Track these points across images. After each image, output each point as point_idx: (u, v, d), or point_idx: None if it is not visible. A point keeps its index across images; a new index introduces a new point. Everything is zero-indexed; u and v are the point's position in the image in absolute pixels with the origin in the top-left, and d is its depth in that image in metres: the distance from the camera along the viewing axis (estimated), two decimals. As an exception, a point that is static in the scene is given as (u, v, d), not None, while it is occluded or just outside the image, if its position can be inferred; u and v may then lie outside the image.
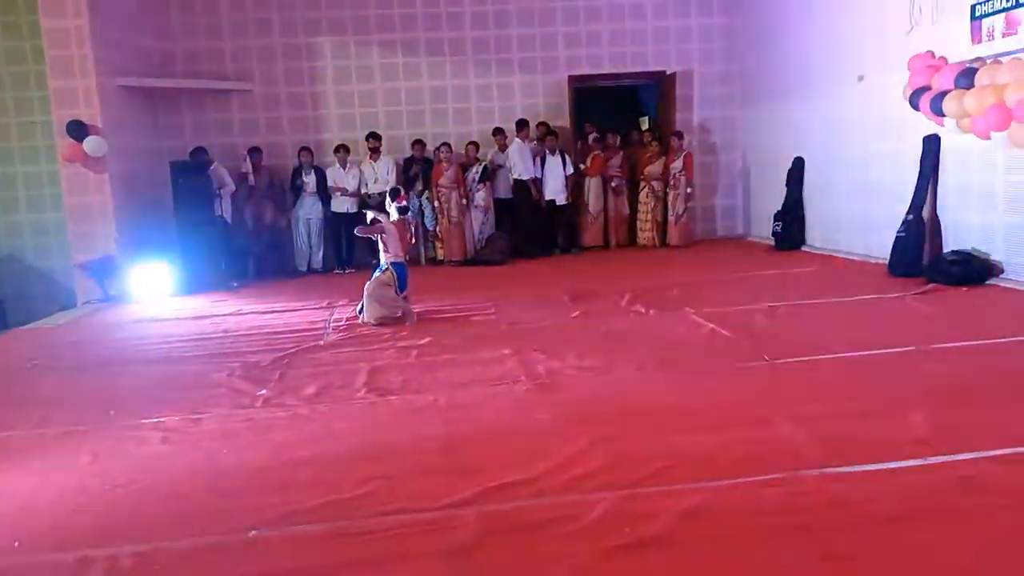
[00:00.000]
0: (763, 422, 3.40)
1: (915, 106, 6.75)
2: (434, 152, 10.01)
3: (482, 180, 9.94)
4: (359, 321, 6.25)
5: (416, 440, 3.46)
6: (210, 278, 8.77)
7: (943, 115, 6.42)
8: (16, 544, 2.70)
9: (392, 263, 6.26)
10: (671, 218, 10.36)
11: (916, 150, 7.17)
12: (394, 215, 6.38)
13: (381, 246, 6.28)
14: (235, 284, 8.90)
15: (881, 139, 7.84)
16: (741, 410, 3.59)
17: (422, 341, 5.46)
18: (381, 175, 9.90)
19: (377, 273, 6.22)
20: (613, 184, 10.44)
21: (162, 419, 3.99)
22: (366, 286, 6.15)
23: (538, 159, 10.07)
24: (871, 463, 2.91)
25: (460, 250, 9.88)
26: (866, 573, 2.20)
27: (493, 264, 9.60)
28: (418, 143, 10.10)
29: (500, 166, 10.16)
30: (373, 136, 9.96)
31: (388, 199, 6.53)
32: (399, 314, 6.15)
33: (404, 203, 6.49)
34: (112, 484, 3.18)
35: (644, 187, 10.40)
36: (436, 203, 9.85)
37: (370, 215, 6.49)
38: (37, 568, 2.53)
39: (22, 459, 3.53)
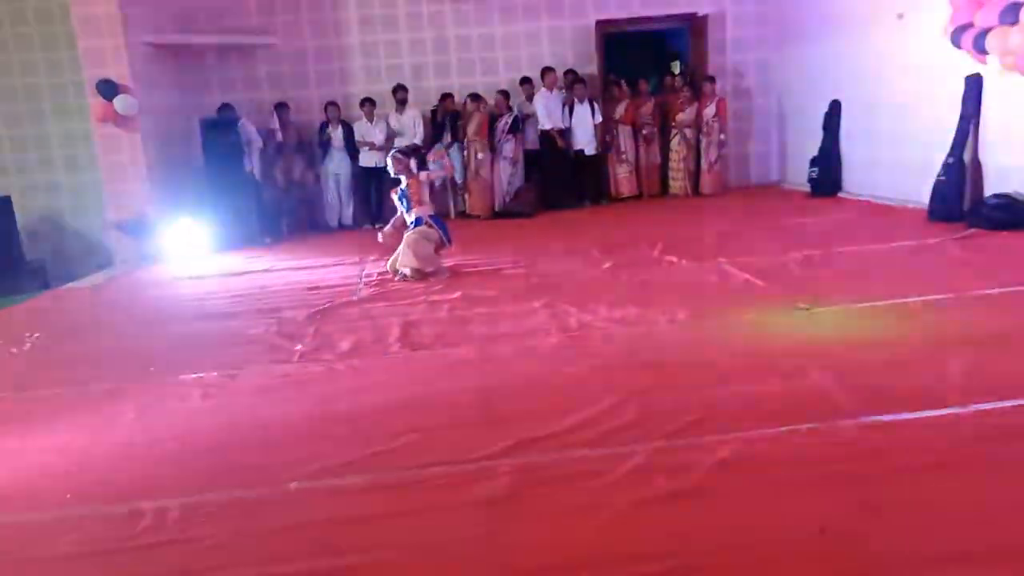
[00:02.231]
0: (798, 372, 3.38)
1: (957, 44, 6.51)
2: (463, 104, 9.90)
3: (512, 131, 9.84)
4: (392, 276, 6.29)
5: (449, 393, 3.50)
6: (243, 235, 8.85)
7: (986, 53, 6.18)
8: (68, 496, 2.81)
9: (431, 217, 6.27)
10: (704, 166, 10.19)
11: (957, 91, 6.93)
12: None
13: (407, 204, 6.27)
14: (268, 240, 8.99)
15: (921, 80, 7.59)
16: (775, 360, 3.57)
17: (453, 295, 5.48)
18: (408, 127, 9.84)
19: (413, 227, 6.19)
20: (644, 132, 10.27)
21: (202, 375, 4.08)
22: (406, 235, 6.14)
23: (566, 108, 9.92)
24: (908, 412, 2.89)
25: (488, 203, 9.84)
26: (903, 522, 2.20)
27: (522, 217, 9.55)
28: (447, 97, 9.99)
29: (529, 116, 10.03)
30: (400, 88, 9.88)
31: (411, 159, 6.41)
32: (431, 269, 6.18)
33: (425, 158, 6.41)
34: (157, 438, 3.28)
35: (676, 135, 10.22)
36: (464, 155, 9.78)
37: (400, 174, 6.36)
38: (90, 519, 2.64)
39: (72, 416, 3.65)
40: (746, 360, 3.60)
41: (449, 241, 6.29)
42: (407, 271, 6.10)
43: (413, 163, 6.32)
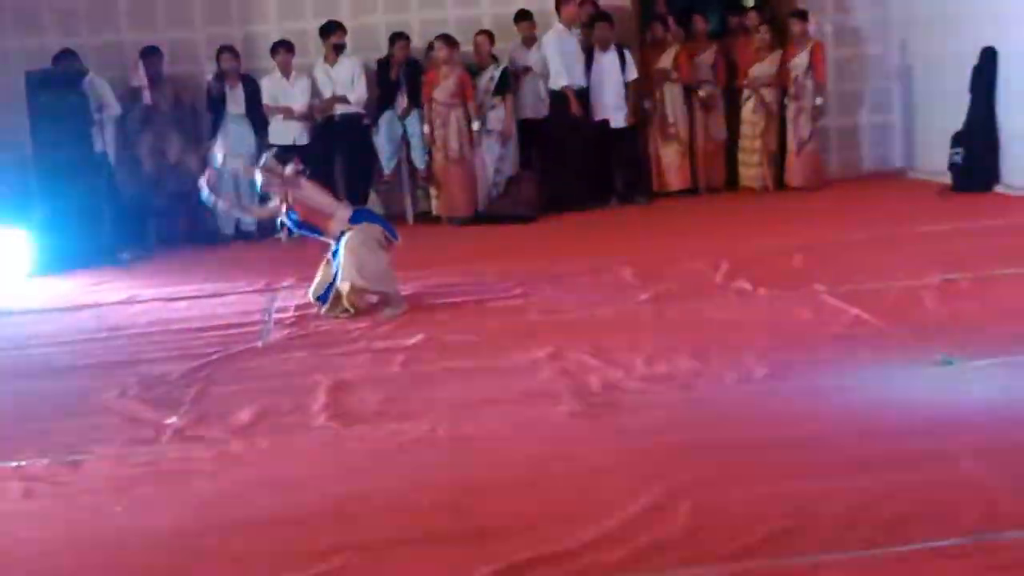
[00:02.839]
0: (937, 458, 3.39)
1: None
2: (425, 51, 9.96)
3: (500, 92, 9.89)
4: (318, 311, 6.28)
5: (404, 492, 3.48)
6: (88, 248, 8.81)
7: None
8: None
9: (361, 212, 6.35)
10: (791, 145, 10.24)
11: None
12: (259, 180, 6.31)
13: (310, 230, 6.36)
14: (126, 256, 8.96)
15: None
16: (903, 440, 3.57)
17: (411, 341, 5.45)
18: (343, 84, 9.88)
19: (340, 252, 6.16)
20: (702, 94, 10.35)
21: (23, 463, 4.03)
22: (344, 241, 6.12)
23: (582, 59, 10.04)
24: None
25: (467, 201, 9.88)
26: None
27: (517, 221, 9.57)
28: (400, 38, 10.03)
29: (527, 69, 10.11)
30: (332, 28, 9.93)
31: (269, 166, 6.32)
32: (376, 295, 6.19)
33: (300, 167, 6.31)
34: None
35: (749, 97, 10.29)
36: (428, 129, 9.83)
37: (259, 176, 6.33)
38: None
39: None
40: (858, 441, 3.60)
41: (394, 236, 6.33)
42: (345, 297, 6.09)
43: (289, 169, 6.25)
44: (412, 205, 10.23)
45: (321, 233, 6.31)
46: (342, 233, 6.18)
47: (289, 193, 6.24)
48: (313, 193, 6.31)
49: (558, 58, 9.81)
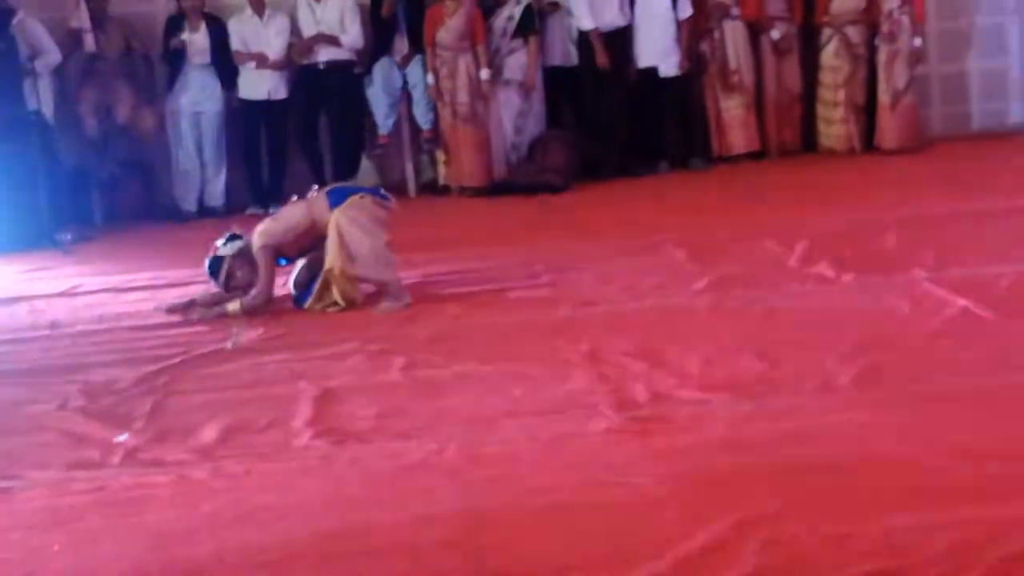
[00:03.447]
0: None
1: None
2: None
3: (521, 33, 9.88)
4: (303, 306, 6.34)
5: (406, 527, 3.47)
6: (20, 228, 8.87)
7: None
8: None
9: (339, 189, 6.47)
10: (883, 97, 10.21)
11: None
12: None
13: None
14: (67, 237, 9.00)
15: None
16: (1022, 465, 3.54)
17: (414, 340, 5.47)
18: (331, 24, 9.87)
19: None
20: (773, 35, 10.31)
21: (-58, 490, 4.05)
22: (335, 218, 6.11)
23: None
24: None
25: (481, 168, 9.89)
26: None
27: (543, 192, 9.60)
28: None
29: (555, 5, 10.09)
30: None
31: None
32: (375, 283, 6.22)
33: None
34: None
35: (830, 38, 10.27)
36: (433, 79, 9.82)
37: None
38: None
39: None
40: (965, 465, 3.57)
41: (386, 199, 6.40)
42: (334, 284, 6.12)
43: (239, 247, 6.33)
44: (415, 174, 10.23)
45: (316, 246, 6.32)
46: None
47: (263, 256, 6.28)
48: (280, 225, 6.32)
49: (587, -8, 9.80)
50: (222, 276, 6.28)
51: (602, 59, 9.80)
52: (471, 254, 7.30)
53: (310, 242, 6.30)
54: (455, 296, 6.35)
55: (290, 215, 6.37)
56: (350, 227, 6.11)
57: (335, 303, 6.17)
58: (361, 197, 6.30)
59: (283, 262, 6.37)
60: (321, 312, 6.17)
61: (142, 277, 7.51)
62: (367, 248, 6.12)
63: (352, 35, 9.84)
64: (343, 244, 6.07)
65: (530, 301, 6.13)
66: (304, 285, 6.36)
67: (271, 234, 6.26)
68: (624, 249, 7.06)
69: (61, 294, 7.23)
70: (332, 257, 6.11)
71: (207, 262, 6.36)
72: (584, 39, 9.93)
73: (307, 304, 6.27)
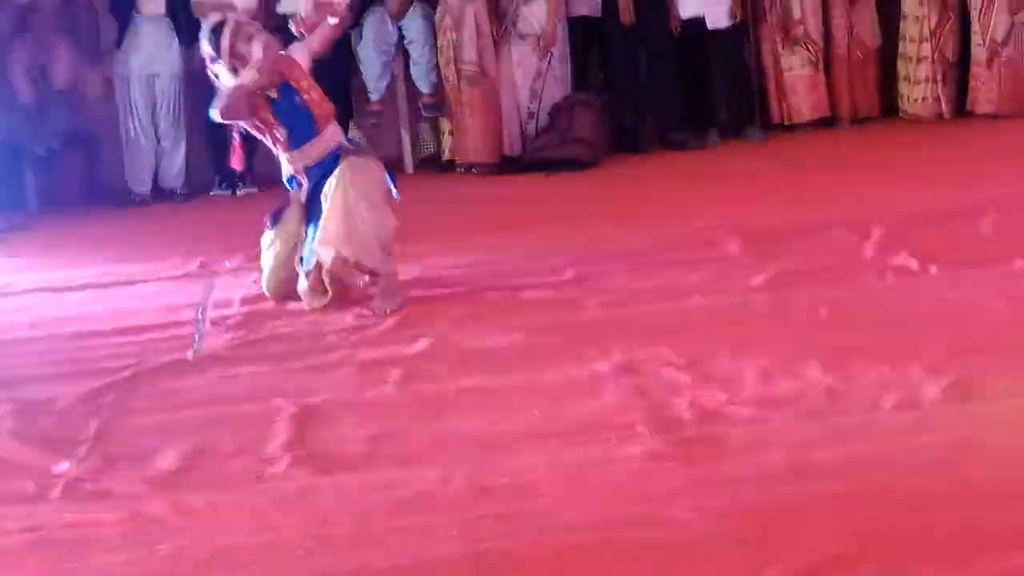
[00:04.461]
0: None
1: None
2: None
3: (542, -20, 9.91)
4: (275, 299, 6.37)
5: (403, 571, 3.47)
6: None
7: None
8: None
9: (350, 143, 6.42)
10: (978, 51, 10.19)
11: None
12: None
13: (270, 140, 6.36)
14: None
15: None
16: None
17: (412, 348, 5.48)
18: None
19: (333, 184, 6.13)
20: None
21: None
22: (342, 174, 6.09)
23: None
24: None
25: (489, 141, 9.91)
26: None
27: (567, 168, 9.61)
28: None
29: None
30: None
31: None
32: (375, 274, 6.17)
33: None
34: None
35: (912, -17, 10.26)
36: (437, 34, 9.83)
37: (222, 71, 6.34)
38: None
39: None
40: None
41: (393, 190, 6.40)
42: (325, 272, 6.11)
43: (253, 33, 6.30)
44: (412, 147, 10.24)
45: (300, 142, 6.28)
46: (334, 158, 6.22)
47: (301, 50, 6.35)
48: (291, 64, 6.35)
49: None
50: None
51: (626, 12, 9.85)
52: (480, 244, 7.34)
53: (316, 113, 6.30)
54: (461, 295, 6.34)
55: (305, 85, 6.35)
56: (361, 198, 6.09)
57: (322, 296, 6.18)
58: (374, 160, 6.36)
59: (287, 99, 6.29)
60: (300, 311, 6.19)
61: (85, 274, 7.52)
62: (372, 229, 6.10)
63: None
64: (349, 219, 6.01)
65: (551, 301, 6.12)
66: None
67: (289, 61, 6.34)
68: (665, 239, 7.06)
69: (-10, 294, 7.24)
70: (328, 236, 6.04)
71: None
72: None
73: (307, 300, 6.25)
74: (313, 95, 6.29)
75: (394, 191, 6.39)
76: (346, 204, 6.03)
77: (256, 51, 6.18)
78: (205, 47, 6.35)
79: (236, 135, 6.51)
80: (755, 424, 4.30)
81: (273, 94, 6.26)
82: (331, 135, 6.34)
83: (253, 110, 6.25)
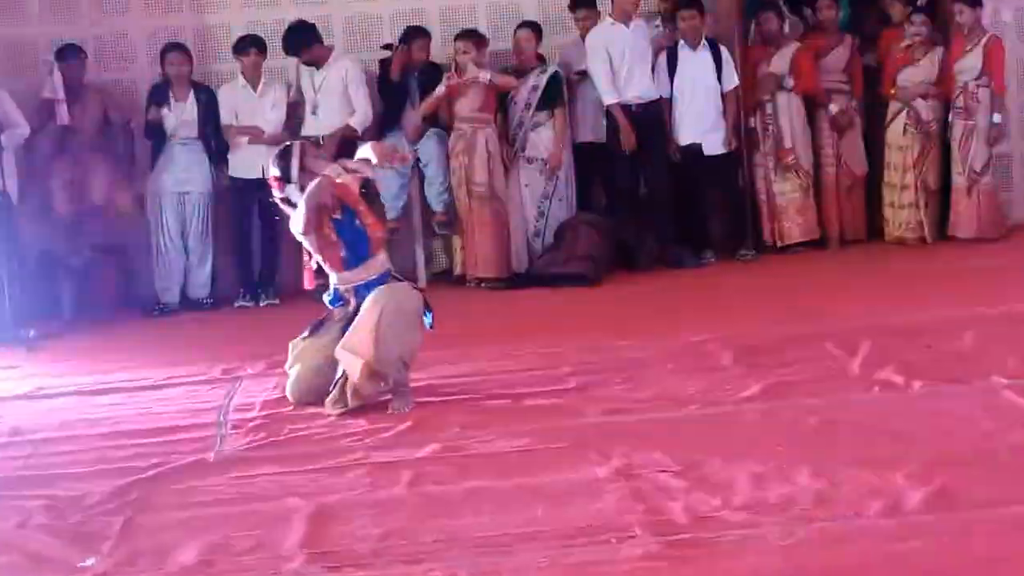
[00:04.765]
0: None
1: None
2: (453, 54, 10.01)
3: (547, 105, 9.97)
4: (289, 405, 6.38)
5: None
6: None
7: None
8: None
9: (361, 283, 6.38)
10: (958, 180, 10.22)
11: None
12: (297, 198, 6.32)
13: (327, 259, 6.39)
14: (31, 333, 9.04)
15: None
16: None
17: (422, 452, 5.49)
18: (330, 98, 9.96)
19: (365, 305, 6.19)
20: (833, 109, 10.39)
21: None
22: (379, 296, 6.16)
23: (662, 58, 10.13)
24: None
25: (501, 256, 9.95)
26: None
27: (570, 284, 9.63)
28: (417, 34, 10.11)
29: (583, 74, 10.21)
30: (307, 39, 9.97)
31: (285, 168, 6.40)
32: (385, 384, 6.25)
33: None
34: None
35: (898, 114, 10.31)
36: (450, 157, 9.91)
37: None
38: None
39: None
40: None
41: (429, 314, 6.42)
42: (353, 382, 6.12)
43: (324, 164, 6.42)
44: (426, 262, 10.27)
45: (356, 263, 6.33)
46: (381, 281, 6.31)
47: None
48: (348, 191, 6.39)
49: (602, 65, 9.88)
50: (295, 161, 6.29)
51: (628, 139, 9.84)
52: (487, 354, 7.32)
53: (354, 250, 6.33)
54: (467, 402, 6.34)
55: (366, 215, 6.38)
56: (396, 315, 6.16)
57: (344, 404, 6.19)
58: (410, 287, 6.48)
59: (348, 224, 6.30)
60: (316, 415, 6.21)
61: (115, 378, 7.52)
62: (397, 344, 6.16)
63: (361, 112, 9.90)
64: (380, 333, 6.05)
65: (554, 408, 6.11)
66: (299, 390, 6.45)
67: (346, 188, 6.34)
68: (662, 350, 7.05)
69: (23, 397, 7.24)
70: (359, 347, 6.08)
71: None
72: (613, 118, 9.99)
73: (330, 406, 6.25)
74: (370, 220, 6.34)
75: (428, 322, 6.42)
76: (379, 317, 6.08)
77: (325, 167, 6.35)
78: (273, 171, 6.41)
79: (308, 257, 6.50)
80: (747, 528, 4.28)
81: (337, 215, 6.31)
82: (383, 260, 6.43)
83: (321, 225, 6.27)
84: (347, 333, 6.18)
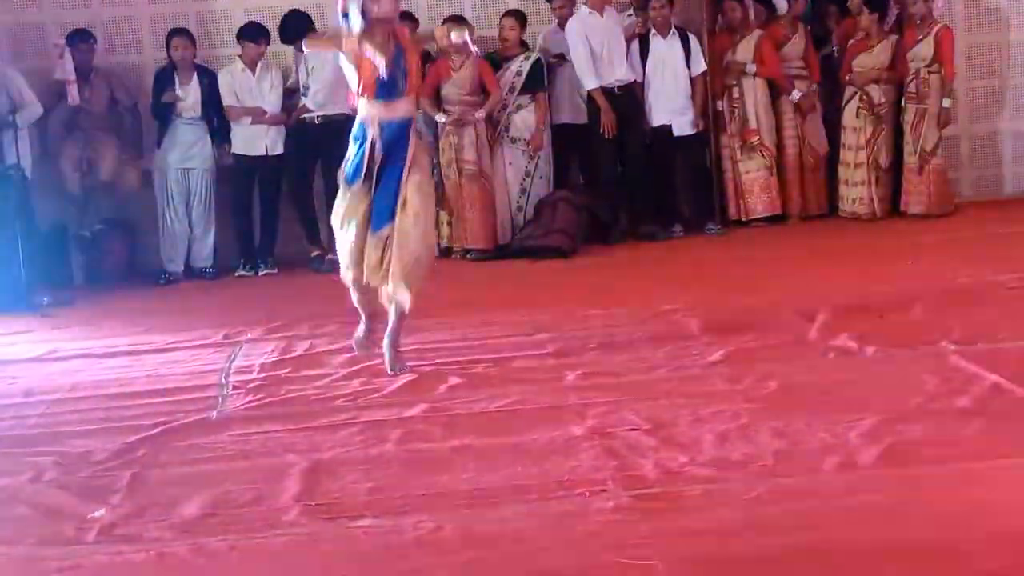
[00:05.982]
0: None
1: None
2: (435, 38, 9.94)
3: (529, 89, 9.95)
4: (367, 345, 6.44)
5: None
6: (-3, 289, 8.90)
7: None
8: None
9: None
10: (910, 160, 10.24)
11: None
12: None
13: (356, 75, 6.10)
14: (46, 301, 9.01)
15: None
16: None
17: (410, 411, 5.48)
18: (325, 81, 9.92)
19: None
20: (794, 95, 10.39)
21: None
22: (411, 184, 6.06)
23: (633, 45, 10.13)
24: None
25: (487, 230, 9.96)
26: None
27: (550, 256, 9.63)
28: (405, 21, 10.05)
29: (561, 57, 10.19)
30: (298, 27, 9.90)
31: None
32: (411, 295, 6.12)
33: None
34: None
35: (852, 97, 10.33)
36: (440, 137, 9.90)
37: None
38: None
39: None
40: (996, 550, 3.53)
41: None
42: (405, 304, 6.10)
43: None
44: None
45: (388, 96, 6.06)
46: (404, 129, 6.15)
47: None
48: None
49: (583, 51, 9.86)
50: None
51: (608, 122, 9.83)
52: (473, 321, 7.33)
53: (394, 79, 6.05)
54: (454, 365, 6.34)
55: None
56: (424, 228, 6.20)
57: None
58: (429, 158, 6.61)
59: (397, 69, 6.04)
60: (312, 377, 6.22)
61: (122, 343, 7.52)
62: (426, 257, 6.27)
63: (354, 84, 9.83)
64: (416, 252, 6.09)
65: (533, 371, 6.12)
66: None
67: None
68: (634, 318, 7.06)
69: (36, 360, 7.24)
70: (408, 272, 6.04)
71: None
72: (593, 100, 10.00)
73: (357, 342, 6.45)
74: (414, 66, 6.18)
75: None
76: (417, 242, 6.08)
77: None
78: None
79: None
80: (712, 483, 4.30)
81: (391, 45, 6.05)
82: (412, 105, 6.29)
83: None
84: (394, 258, 6.04)
